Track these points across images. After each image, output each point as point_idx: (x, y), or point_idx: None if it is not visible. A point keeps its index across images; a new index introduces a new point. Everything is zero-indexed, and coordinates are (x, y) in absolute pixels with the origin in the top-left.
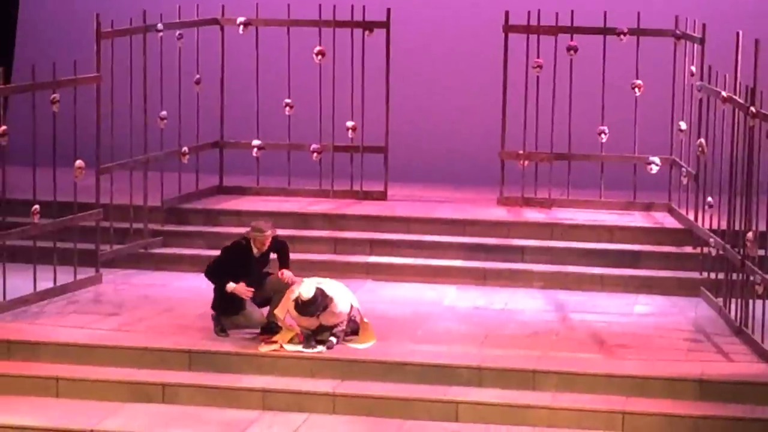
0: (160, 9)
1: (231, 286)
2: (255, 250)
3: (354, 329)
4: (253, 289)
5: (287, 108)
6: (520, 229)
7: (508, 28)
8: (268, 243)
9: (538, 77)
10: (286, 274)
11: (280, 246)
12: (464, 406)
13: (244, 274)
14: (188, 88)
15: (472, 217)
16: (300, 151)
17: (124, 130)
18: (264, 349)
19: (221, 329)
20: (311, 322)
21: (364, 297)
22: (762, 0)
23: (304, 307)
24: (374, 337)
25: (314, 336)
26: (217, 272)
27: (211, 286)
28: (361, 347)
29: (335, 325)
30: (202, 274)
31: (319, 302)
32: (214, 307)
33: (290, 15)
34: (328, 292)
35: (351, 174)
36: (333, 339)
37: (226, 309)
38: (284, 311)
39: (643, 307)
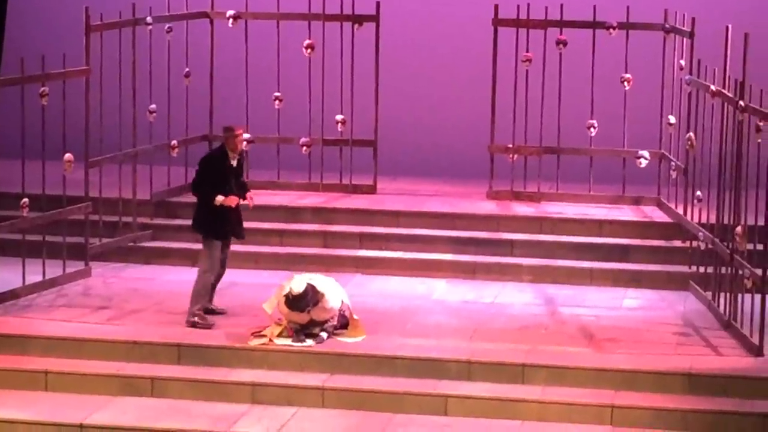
0: (150, 2)
1: (219, 198)
2: (230, 155)
3: (344, 323)
4: (238, 198)
5: (276, 101)
6: (510, 222)
7: (497, 22)
8: (240, 143)
9: (527, 71)
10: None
11: (243, 158)
12: (454, 399)
13: (222, 185)
14: (177, 82)
15: (461, 210)
16: (289, 144)
17: (114, 123)
18: (253, 343)
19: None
20: (302, 317)
21: (353, 291)
22: None
23: (294, 302)
24: (364, 333)
25: (304, 330)
26: (201, 186)
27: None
28: (350, 341)
29: (326, 321)
30: (193, 268)
31: (310, 298)
32: (199, 227)
33: (280, 8)
34: (319, 287)
35: (340, 167)
36: (323, 334)
37: (214, 228)
38: (272, 306)
39: (632, 300)
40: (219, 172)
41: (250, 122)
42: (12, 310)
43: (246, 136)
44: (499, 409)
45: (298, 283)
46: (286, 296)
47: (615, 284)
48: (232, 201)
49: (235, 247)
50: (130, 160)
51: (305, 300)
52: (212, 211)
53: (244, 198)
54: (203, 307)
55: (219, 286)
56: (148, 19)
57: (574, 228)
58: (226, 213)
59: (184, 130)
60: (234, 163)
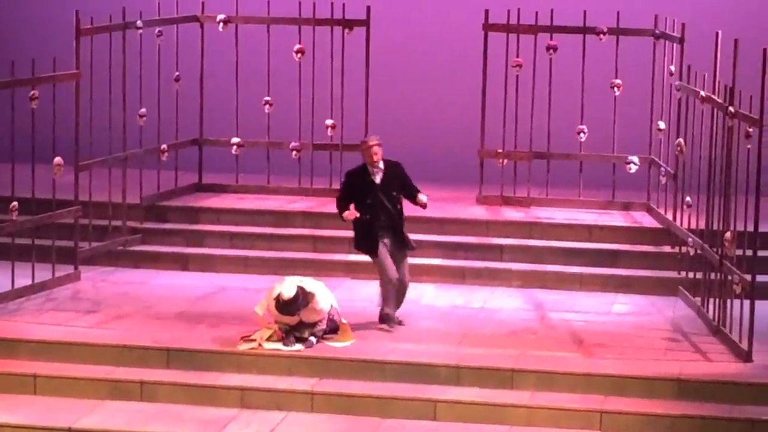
0: (140, 6)
1: (345, 214)
2: (370, 170)
3: (333, 328)
4: (357, 213)
5: (267, 106)
6: (499, 227)
7: (487, 27)
8: (376, 154)
9: (517, 76)
10: (421, 197)
11: (398, 170)
12: (442, 404)
13: (361, 200)
14: (168, 86)
15: (451, 215)
16: (279, 148)
17: (104, 126)
18: (242, 347)
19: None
20: (292, 319)
21: (343, 295)
22: (741, 0)
23: (285, 306)
24: (352, 338)
25: (293, 332)
26: (341, 200)
27: (188, 284)
28: (339, 345)
29: (315, 323)
30: (183, 272)
31: (300, 301)
32: (354, 244)
33: (270, 12)
34: (309, 288)
35: (330, 172)
36: (312, 339)
37: (357, 242)
38: (263, 308)
39: (621, 306)
40: (355, 187)
41: (240, 126)
42: (1, 313)
43: (374, 143)
44: (488, 414)
45: (288, 286)
46: (276, 300)
47: (604, 289)
48: (350, 215)
49: (224, 251)
50: (120, 163)
51: (296, 304)
52: (354, 227)
53: (423, 206)
54: (386, 313)
55: (210, 290)
56: (139, 23)
57: (563, 233)
58: (368, 226)
59: (174, 134)
60: (377, 179)
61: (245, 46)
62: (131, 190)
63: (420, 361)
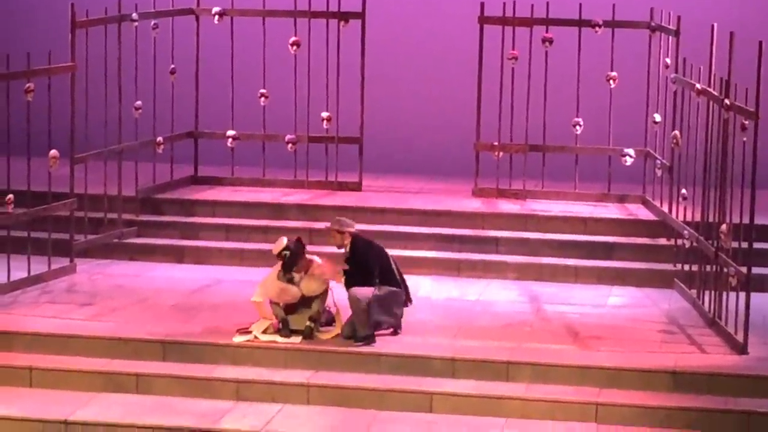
0: None
1: None
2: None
3: (329, 320)
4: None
5: (262, 98)
6: (495, 220)
7: (483, 20)
8: (335, 241)
9: (513, 69)
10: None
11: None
12: (438, 397)
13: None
14: (163, 78)
15: (446, 208)
16: (275, 141)
17: (99, 119)
18: (238, 339)
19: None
20: (294, 293)
21: (338, 288)
22: None
23: (290, 259)
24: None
25: (297, 309)
26: None
27: (183, 276)
28: (329, 337)
29: (317, 296)
30: (178, 264)
31: (295, 248)
32: None
33: (265, 5)
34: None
35: (326, 164)
36: (310, 324)
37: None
38: (264, 293)
39: (617, 298)
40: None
41: (236, 119)
42: None
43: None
44: (484, 406)
45: (278, 242)
46: (281, 253)
47: (600, 282)
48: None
49: (220, 244)
50: (116, 156)
51: (293, 254)
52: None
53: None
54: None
55: (206, 282)
56: (134, 15)
57: (559, 225)
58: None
59: (170, 126)
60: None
61: (241, 38)
62: (127, 182)
63: (415, 354)
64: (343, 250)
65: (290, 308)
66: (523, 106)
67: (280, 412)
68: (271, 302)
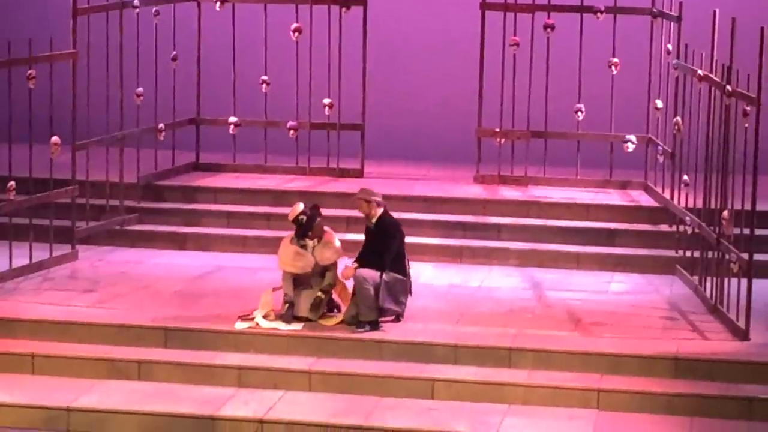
0: None
1: None
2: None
3: (332, 306)
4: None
5: (264, 85)
6: (497, 206)
7: (485, 6)
8: (362, 210)
9: (515, 55)
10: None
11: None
12: (440, 383)
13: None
14: (165, 65)
15: (448, 194)
16: (276, 128)
17: (101, 106)
18: (240, 326)
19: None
20: (308, 260)
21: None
22: None
23: (308, 221)
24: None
25: (311, 280)
26: None
27: (185, 263)
28: (331, 323)
29: (330, 267)
30: (180, 251)
31: (310, 213)
32: None
33: None
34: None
35: (328, 151)
36: (321, 294)
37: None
38: (281, 261)
39: (618, 285)
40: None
41: (237, 106)
42: None
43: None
44: (486, 392)
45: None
46: (297, 217)
47: (602, 268)
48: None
49: (222, 230)
50: (117, 143)
51: (309, 218)
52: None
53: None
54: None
55: (207, 269)
56: (136, 2)
57: (560, 212)
58: None
59: (172, 113)
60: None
61: (242, 25)
62: (128, 169)
63: (418, 340)
64: (373, 220)
65: (303, 281)
66: (524, 92)
67: (282, 398)
68: (284, 275)
